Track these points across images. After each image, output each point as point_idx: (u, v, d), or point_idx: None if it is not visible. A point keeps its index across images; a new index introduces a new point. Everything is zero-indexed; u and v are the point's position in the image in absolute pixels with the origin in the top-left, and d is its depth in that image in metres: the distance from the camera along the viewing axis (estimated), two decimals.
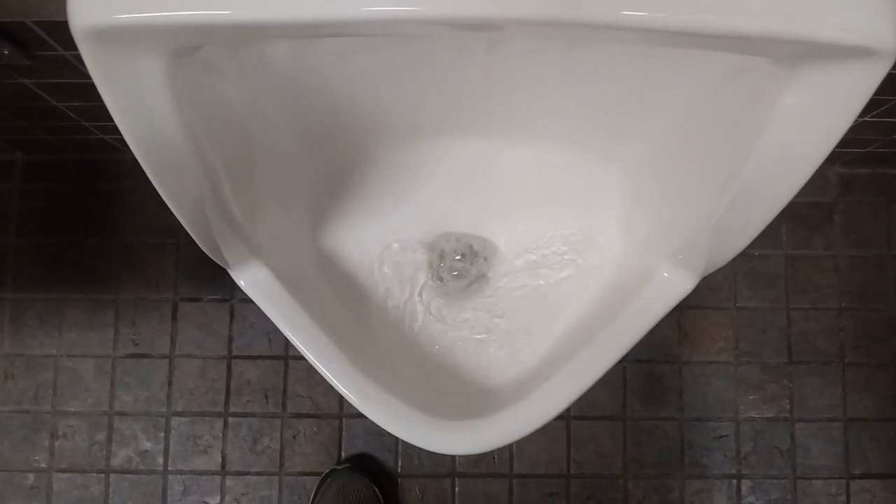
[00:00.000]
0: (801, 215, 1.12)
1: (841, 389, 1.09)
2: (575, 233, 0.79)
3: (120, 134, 1.02)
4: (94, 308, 1.10)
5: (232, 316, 1.09)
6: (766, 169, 0.48)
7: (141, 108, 0.44)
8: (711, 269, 0.62)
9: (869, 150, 1.04)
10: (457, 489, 1.06)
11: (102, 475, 1.07)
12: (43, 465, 1.08)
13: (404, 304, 0.78)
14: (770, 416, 1.09)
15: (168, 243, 1.10)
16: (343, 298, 0.76)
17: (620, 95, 0.66)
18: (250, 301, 1.04)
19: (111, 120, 0.94)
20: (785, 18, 0.38)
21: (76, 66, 0.73)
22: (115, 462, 1.07)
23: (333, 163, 0.78)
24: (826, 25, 0.38)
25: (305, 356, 0.63)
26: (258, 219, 0.64)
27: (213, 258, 0.62)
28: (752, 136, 0.47)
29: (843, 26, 0.38)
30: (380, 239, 0.79)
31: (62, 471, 1.07)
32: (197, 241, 0.58)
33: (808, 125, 0.45)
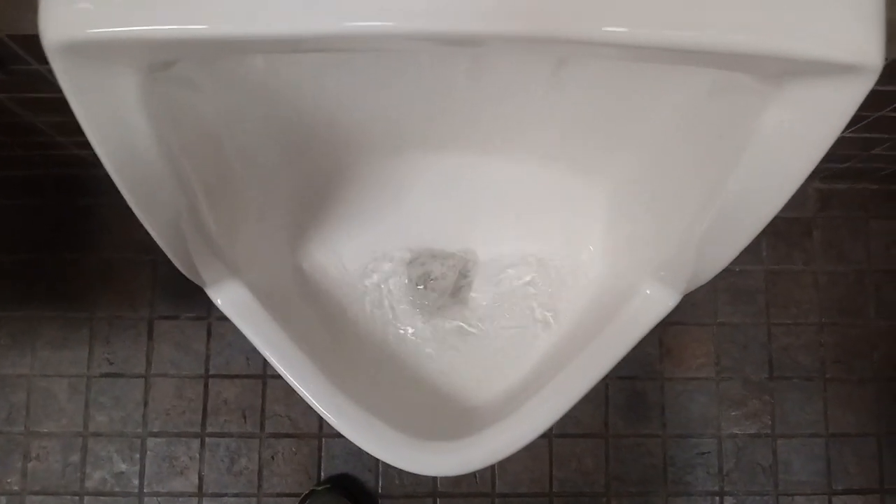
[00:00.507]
0: (780, 231, 1.12)
1: (822, 405, 1.09)
2: (557, 248, 0.78)
3: None
4: (69, 326, 1.08)
5: (209, 334, 1.07)
6: (749, 185, 0.48)
7: (114, 124, 0.43)
8: (694, 286, 0.62)
9: (847, 165, 1.05)
10: None
11: (77, 497, 1.05)
12: (16, 488, 1.05)
13: (385, 323, 0.77)
14: (752, 432, 1.08)
15: (145, 260, 1.09)
16: (322, 317, 0.75)
17: (605, 111, 0.66)
18: (228, 319, 1.03)
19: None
20: (769, 35, 0.38)
21: (52, 81, 0.72)
22: (90, 484, 1.05)
23: (314, 178, 0.77)
24: (810, 42, 0.38)
25: (284, 377, 0.61)
26: (236, 236, 0.63)
27: (189, 277, 0.61)
28: (736, 152, 0.47)
29: (828, 43, 0.38)
30: (360, 255, 0.78)
31: (35, 493, 1.05)
32: (172, 260, 0.57)
33: (792, 141, 0.44)
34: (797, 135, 0.44)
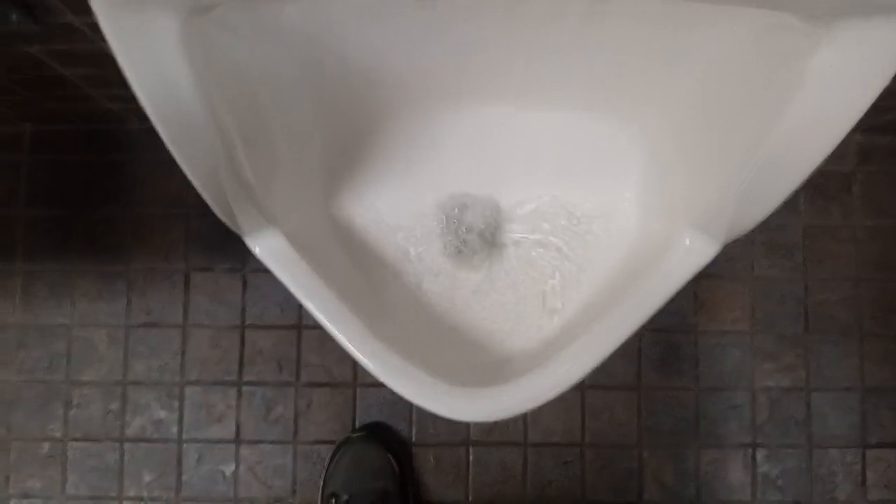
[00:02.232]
0: (819, 185, 1.11)
1: (858, 359, 1.08)
2: (593, 199, 0.78)
3: (129, 103, 1.01)
4: (105, 278, 1.10)
5: (244, 285, 1.08)
6: (796, 131, 0.47)
7: (156, 69, 0.43)
8: (735, 236, 0.61)
9: (889, 118, 1.02)
10: (471, 458, 1.06)
11: (117, 444, 1.08)
12: (57, 434, 1.08)
13: (419, 272, 0.77)
14: (786, 385, 1.08)
15: (178, 214, 1.09)
16: (359, 266, 0.76)
17: (644, 59, 0.64)
18: (262, 270, 1.03)
19: (120, 88, 0.92)
20: None
21: (85, 33, 0.72)
22: (130, 431, 1.08)
23: (348, 129, 0.77)
24: None
25: (322, 324, 0.62)
26: (273, 185, 0.63)
27: (228, 225, 0.61)
28: (783, 98, 0.46)
29: None
30: (395, 206, 0.78)
31: (77, 440, 1.08)
32: (212, 207, 0.57)
33: (841, 84, 0.43)
34: (848, 78, 0.43)
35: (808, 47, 0.43)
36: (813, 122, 0.46)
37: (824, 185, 1.11)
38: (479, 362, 0.72)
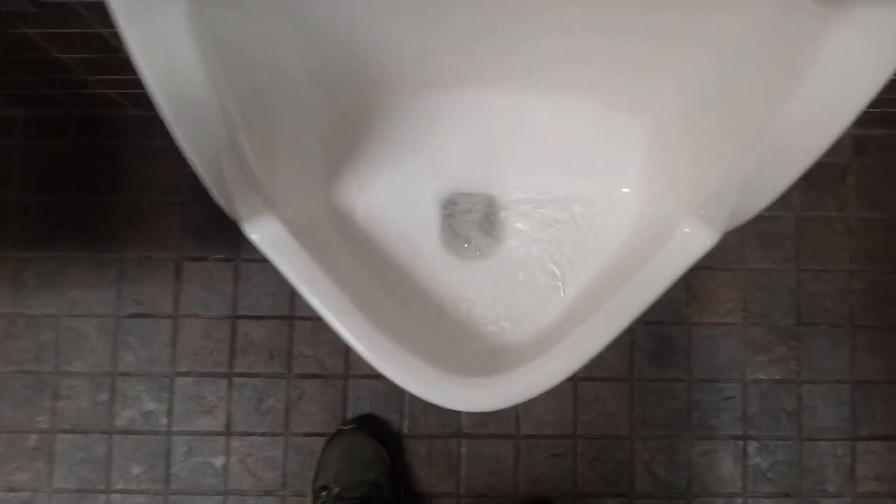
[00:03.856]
0: (813, 176, 1.11)
1: (850, 351, 1.09)
2: (595, 185, 0.78)
3: (125, 88, 0.99)
4: (97, 267, 1.08)
5: (237, 276, 1.07)
6: (804, 116, 0.47)
7: (164, 48, 0.42)
8: (735, 224, 0.61)
9: (884, 110, 1.03)
10: (463, 450, 1.06)
11: (106, 436, 1.07)
12: (45, 426, 1.07)
13: (418, 260, 0.77)
14: (777, 377, 1.08)
15: (172, 202, 1.08)
16: (357, 254, 0.75)
17: (650, 44, 0.64)
18: (255, 260, 1.03)
19: (115, 73, 0.91)
20: None
21: (82, 16, 0.71)
22: (119, 422, 1.07)
23: (349, 114, 0.76)
24: None
25: (319, 312, 0.61)
26: (273, 170, 0.63)
27: (225, 211, 0.60)
28: (791, 82, 0.46)
29: None
30: (394, 193, 0.78)
31: (65, 431, 1.07)
32: (211, 192, 0.57)
33: (852, 67, 0.43)
34: (858, 61, 0.43)
35: (819, 29, 0.43)
36: (821, 106, 0.46)
37: (818, 176, 1.11)
38: (479, 351, 0.72)
